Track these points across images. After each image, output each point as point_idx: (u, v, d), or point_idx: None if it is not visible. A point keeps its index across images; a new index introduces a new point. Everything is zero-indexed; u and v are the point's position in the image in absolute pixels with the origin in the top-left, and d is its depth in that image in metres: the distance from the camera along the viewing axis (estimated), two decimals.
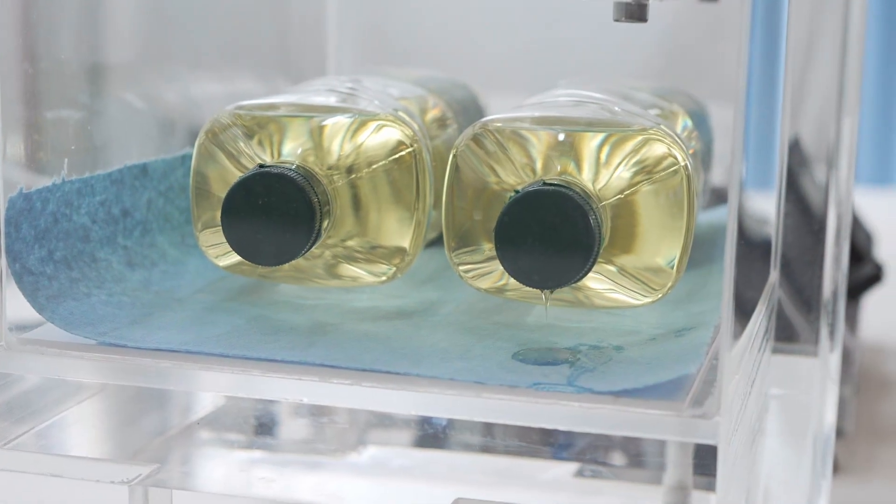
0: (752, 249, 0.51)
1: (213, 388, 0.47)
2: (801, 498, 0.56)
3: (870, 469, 0.69)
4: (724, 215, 0.63)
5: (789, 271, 0.57)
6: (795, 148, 0.59)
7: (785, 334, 0.57)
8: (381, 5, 0.84)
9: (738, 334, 0.44)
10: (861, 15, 0.54)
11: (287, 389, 0.46)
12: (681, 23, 0.80)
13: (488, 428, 0.53)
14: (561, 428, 0.44)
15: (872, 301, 0.86)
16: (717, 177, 0.65)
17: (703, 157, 0.59)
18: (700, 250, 0.51)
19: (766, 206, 0.56)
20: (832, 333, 0.56)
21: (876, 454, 0.70)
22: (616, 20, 0.46)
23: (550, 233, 0.46)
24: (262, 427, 0.54)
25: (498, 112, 0.51)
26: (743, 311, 0.46)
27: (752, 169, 0.49)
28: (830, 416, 0.56)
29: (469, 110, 0.62)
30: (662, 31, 0.79)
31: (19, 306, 0.49)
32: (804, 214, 0.58)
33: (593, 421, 0.43)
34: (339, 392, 0.45)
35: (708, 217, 0.59)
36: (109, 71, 0.60)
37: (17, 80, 0.50)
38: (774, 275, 0.57)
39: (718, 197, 0.67)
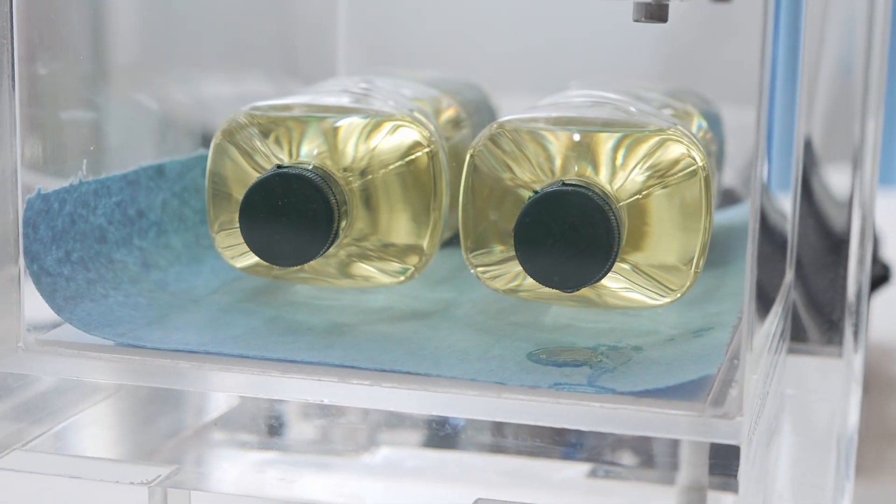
0: (770, 250, 0.51)
1: (231, 389, 0.47)
2: (823, 499, 0.56)
3: (879, 470, 0.68)
4: (736, 216, 0.63)
5: (801, 272, 0.57)
6: (807, 149, 0.59)
7: (800, 335, 0.57)
8: (390, 6, 0.84)
9: (758, 334, 0.44)
10: (885, 14, 0.54)
11: (306, 390, 0.46)
12: (690, 22, 0.80)
13: (500, 428, 0.53)
14: (582, 428, 0.44)
15: (880, 302, 0.86)
16: (727, 177, 0.65)
17: (717, 158, 0.58)
18: (715, 251, 0.51)
19: (782, 207, 0.56)
20: (856, 334, 0.56)
21: (884, 455, 0.70)
22: (636, 20, 0.46)
23: (570, 233, 0.46)
24: (277, 428, 0.54)
25: (509, 113, 0.51)
26: (761, 312, 0.46)
27: (769, 170, 0.49)
28: (854, 417, 0.56)
29: (482, 111, 0.62)
30: (670, 30, 0.79)
31: (37, 307, 0.49)
32: (815, 216, 0.58)
33: (614, 421, 0.43)
34: (359, 393, 0.45)
35: (721, 218, 0.59)
36: (121, 72, 0.60)
37: (32, 81, 0.50)
38: (790, 275, 0.57)
39: (728, 198, 0.67)
